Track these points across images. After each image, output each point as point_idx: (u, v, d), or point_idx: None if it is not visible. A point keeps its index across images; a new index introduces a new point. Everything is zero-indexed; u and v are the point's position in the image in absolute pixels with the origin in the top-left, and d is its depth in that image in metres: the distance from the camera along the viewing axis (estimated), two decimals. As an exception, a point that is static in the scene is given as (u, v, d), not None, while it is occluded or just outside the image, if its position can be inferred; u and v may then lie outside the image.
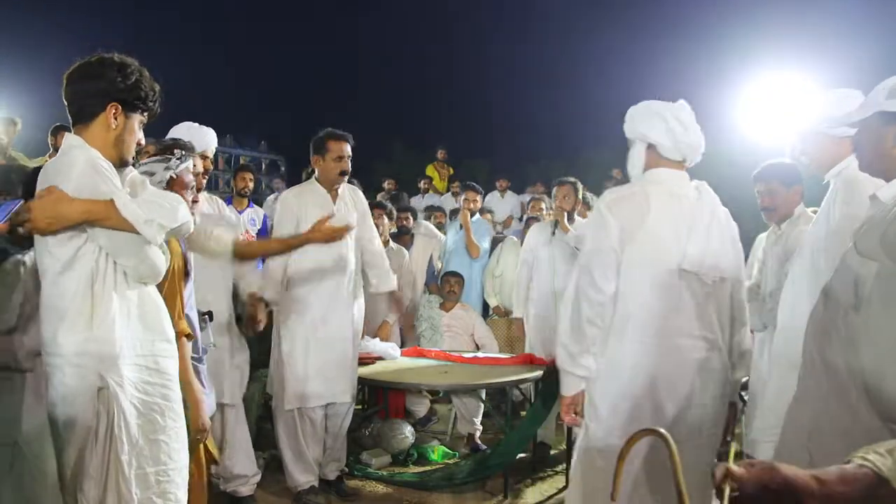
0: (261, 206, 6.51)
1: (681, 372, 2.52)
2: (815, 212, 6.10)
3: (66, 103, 2.19)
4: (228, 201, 4.59)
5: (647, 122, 2.65)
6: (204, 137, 3.71)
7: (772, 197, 3.64)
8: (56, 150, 7.23)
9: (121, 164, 2.22)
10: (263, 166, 11.44)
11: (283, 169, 10.06)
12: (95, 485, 2.08)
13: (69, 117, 2.18)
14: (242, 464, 3.78)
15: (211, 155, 3.74)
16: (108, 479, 2.09)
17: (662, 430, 1.33)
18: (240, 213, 4.88)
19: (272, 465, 4.45)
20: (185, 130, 3.67)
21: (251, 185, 5.68)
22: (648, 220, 2.52)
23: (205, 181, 3.74)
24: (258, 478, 3.93)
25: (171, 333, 2.31)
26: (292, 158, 10.25)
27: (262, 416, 4.94)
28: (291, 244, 3.44)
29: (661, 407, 2.51)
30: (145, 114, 2.23)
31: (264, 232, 4.87)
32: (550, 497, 4.31)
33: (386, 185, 10.80)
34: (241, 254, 3.21)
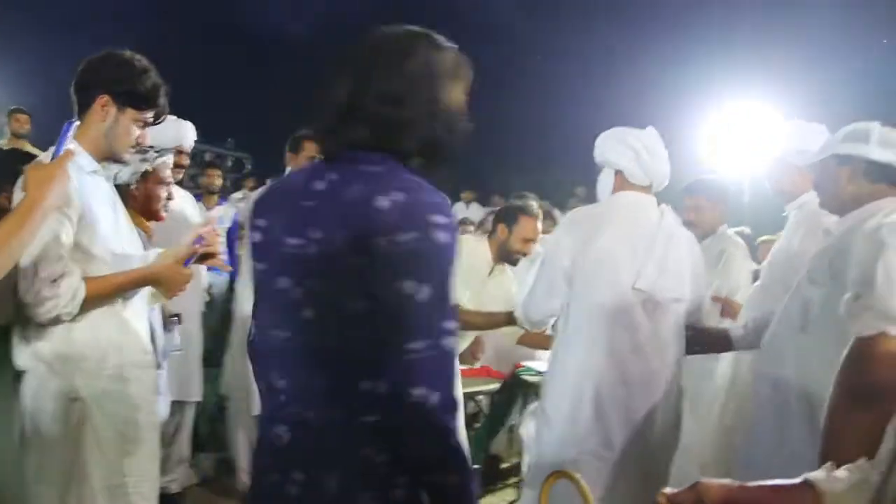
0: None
1: (628, 388, 2.57)
2: (765, 240, 6.25)
3: None
4: (198, 198, 4.53)
5: (615, 149, 2.72)
6: (181, 131, 3.66)
7: (697, 212, 3.74)
8: (13, 134, 7.05)
9: (112, 161, 2.21)
10: (229, 163, 11.29)
11: (248, 167, 9.98)
12: (56, 492, 2.04)
13: None
14: (180, 461, 3.80)
15: (188, 150, 3.70)
16: (70, 487, 2.05)
17: (573, 473, 1.38)
18: (209, 210, 4.82)
19: (223, 468, 4.42)
20: (162, 123, 3.63)
21: (219, 182, 5.64)
22: (601, 238, 2.58)
23: (179, 176, 3.72)
24: (187, 475, 3.96)
25: (149, 344, 2.29)
26: (259, 157, 10.15)
27: (213, 416, 4.91)
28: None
29: (609, 423, 2.55)
30: (145, 113, 2.20)
31: (235, 230, 4.82)
32: (500, 509, 4.35)
33: None
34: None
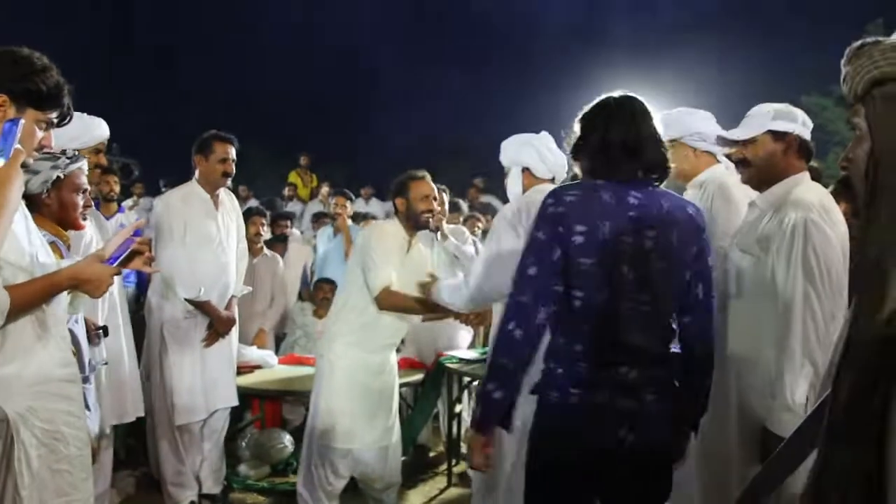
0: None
1: None
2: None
3: None
4: (96, 205, 4.30)
5: (520, 150, 3.21)
6: (97, 129, 3.37)
7: None
8: None
9: None
10: (115, 169, 10.70)
11: (136, 173, 9.45)
12: None
13: None
14: (103, 483, 3.55)
15: (104, 148, 3.48)
16: None
17: None
18: (108, 218, 4.53)
19: (144, 483, 4.25)
20: (75, 122, 3.40)
21: (117, 188, 5.35)
22: None
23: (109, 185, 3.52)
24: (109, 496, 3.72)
25: (72, 356, 2.16)
26: (147, 163, 9.69)
27: (128, 432, 4.70)
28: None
29: None
30: (48, 113, 2.06)
31: (138, 235, 4.59)
32: (433, 498, 4.40)
33: (241, 191, 10.46)
34: None
